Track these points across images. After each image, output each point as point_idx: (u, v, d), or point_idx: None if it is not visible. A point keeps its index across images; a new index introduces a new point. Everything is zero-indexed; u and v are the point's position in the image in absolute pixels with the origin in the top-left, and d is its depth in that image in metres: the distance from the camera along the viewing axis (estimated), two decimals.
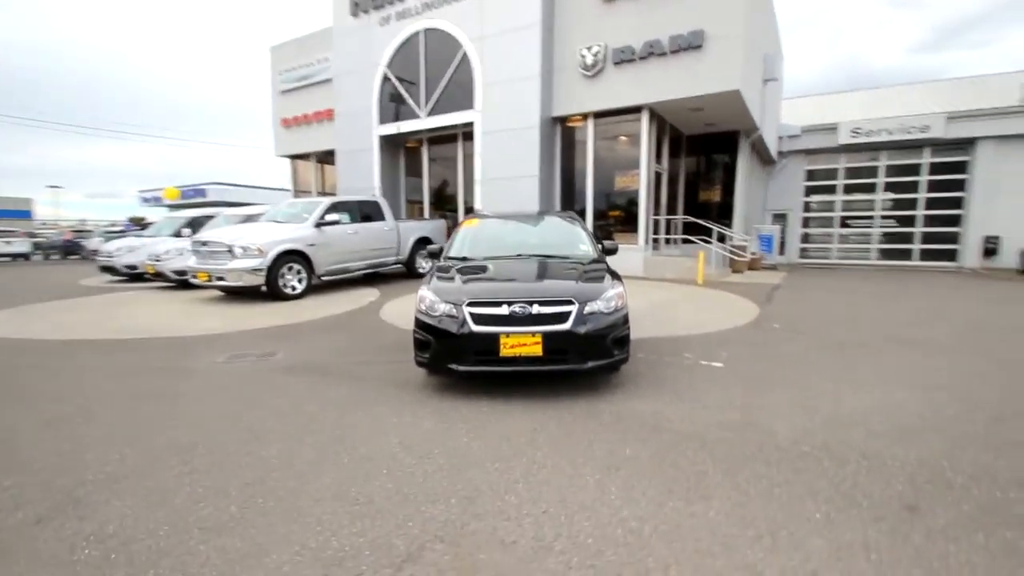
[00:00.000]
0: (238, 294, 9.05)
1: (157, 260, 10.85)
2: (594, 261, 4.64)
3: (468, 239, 5.18)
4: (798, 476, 2.62)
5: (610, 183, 12.08)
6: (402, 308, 7.98)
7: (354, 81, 14.67)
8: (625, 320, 3.82)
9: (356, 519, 2.28)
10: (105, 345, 5.84)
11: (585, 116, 11.88)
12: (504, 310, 3.68)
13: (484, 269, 4.37)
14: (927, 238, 16.50)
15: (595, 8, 11.14)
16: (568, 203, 12.49)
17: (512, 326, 3.63)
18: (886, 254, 17.17)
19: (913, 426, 3.27)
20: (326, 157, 17.59)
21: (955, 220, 15.96)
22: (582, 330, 3.61)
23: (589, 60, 11.28)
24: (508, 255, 4.76)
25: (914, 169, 16.45)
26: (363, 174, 14.83)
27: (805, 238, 18.41)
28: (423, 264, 11.81)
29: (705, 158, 15.13)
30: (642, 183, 11.44)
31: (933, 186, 16.21)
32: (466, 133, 13.63)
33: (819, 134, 17.11)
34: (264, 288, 8.56)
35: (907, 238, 16.82)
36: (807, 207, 18.26)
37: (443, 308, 3.82)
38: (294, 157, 18.50)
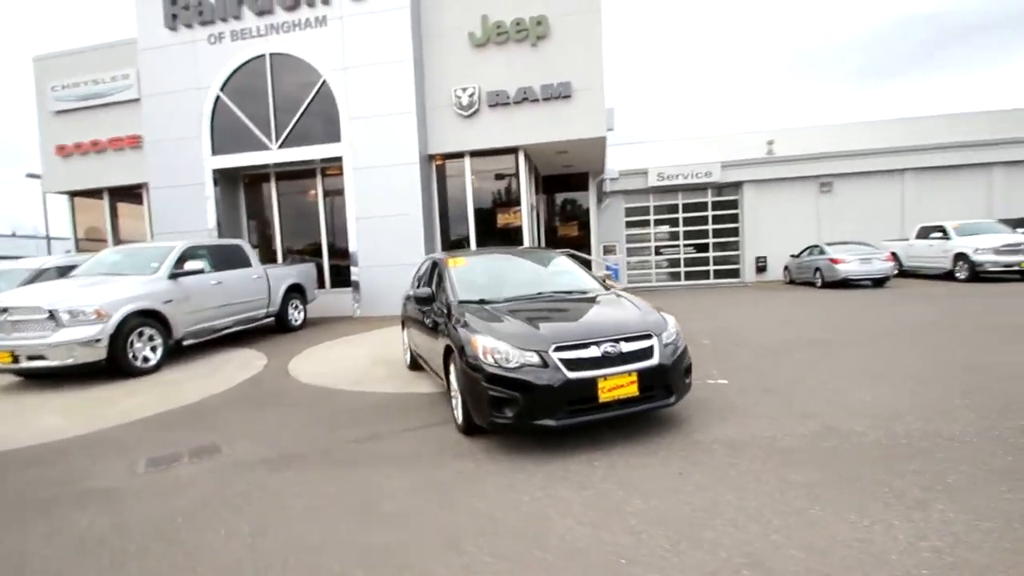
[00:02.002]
0: (52, 377, 6.56)
1: None
2: (611, 293, 4.61)
3: (468, 280, 4.67)
4: None
5: (491, 220, 12.25)
6: (316, 367, 6.80)
7: (173, 104, 12.23)
8: (686, 348, 3.86)
9: None
10: None
11: (463, 155, 11.91)
12: (595, 351, 3.40)
13: (524, 311, 3.97)
14: (717, 260, 20.55)
15: (467, 53, 11.39)
16: (450, 241, 12.25)
17: (606, 368, 3.37)
18: (689, 276, 20.81)
19: (895, 409, 3.94)
20: (126, 194, 14.15)
21: (735, 245, 20.24)
22: (668, 363, 3.54)
23: (464, 101, 11.43)
24: (528, 294, 4.44)
25: (703, 206, 20.46)
26: (190, 213, 12.30)
27: (629, 265, 21.24)
28: (296, 316, 10.25)
29: (559, 197, 16.47)
30: (524, 219, 11.88)
31: (717, 219, 20.35)
32: (325, 168, 12.45)
33: (634, 177, 20.10)
34: (105, 363, 6.40)
35: (704, 261, 20.69)
36: (628, 239, 21.15)
37: (522, 357, 3.35)
38: (75, 194, 14.41)
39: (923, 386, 4.44)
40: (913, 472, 2.84)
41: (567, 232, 16.09)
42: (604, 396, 3.34)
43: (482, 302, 4.25)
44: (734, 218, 20.13)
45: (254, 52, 11.84)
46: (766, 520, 2.43)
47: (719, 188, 20.10)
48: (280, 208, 13.07)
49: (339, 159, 11.68)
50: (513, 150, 11.70)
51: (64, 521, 2.89)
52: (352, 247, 11.66)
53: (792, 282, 17.27)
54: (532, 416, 3.29)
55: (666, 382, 3.55)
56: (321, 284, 11.93)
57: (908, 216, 18.49)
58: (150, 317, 6.97)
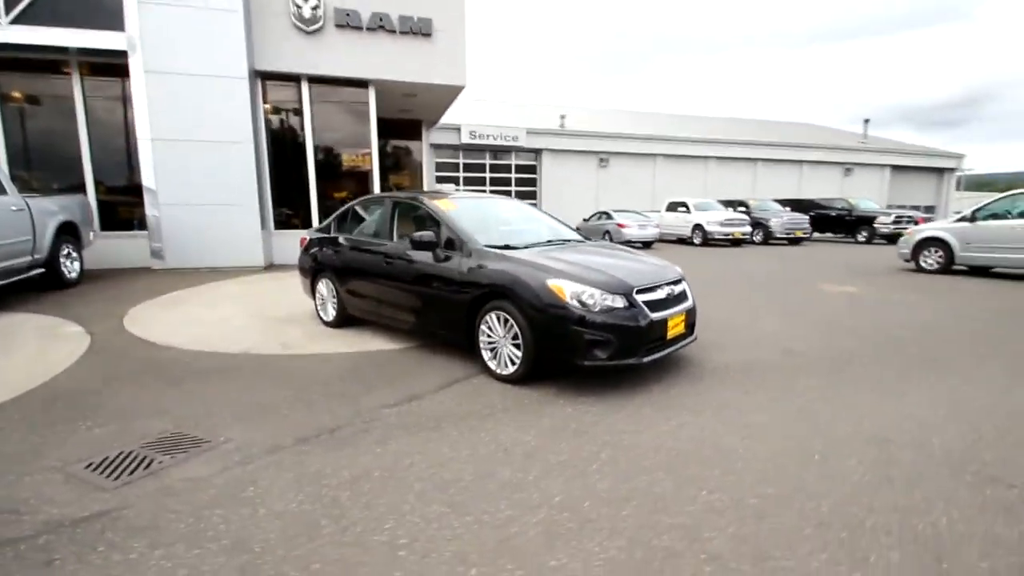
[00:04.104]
0: None
1: None
2: (601, 241, 4.83)
3: (471, 224, 4.25)
4: None
5: (335, 161, 10.80)
6: (188, 331, 5.29)
7: None
8: None
9: None
10: None
11: (299, 78, 10.08)
12: (662, 294, 3.65)
13: (566, 258, 3.90)
14: None
15: None
16: (282, 183, 10.38)
17: (670, 308, 3.66)
18: None
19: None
20: None
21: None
22: (695, 304, 4.02)
23: (306, 12, 9.62)
24: (541, 240, 4.34)
25: (508, 168, 21.79)
26: None
27: None
28: (71, 268, 7.49)
29: (390, 143, 15.31)
30: (375, 163, 10.85)
31: (520, 181, 21.97)
32: (92, 66, 9.01)
33: (446, 132, 20.03)
34: None
35: None
36: None
37: (612, 300, 3.37)
38: None
39: (783, 317, 6.00)
40: (868, 366, 3.96)
41: (399, 182, 15.26)
42: (670, 334, 3.64)
43: (507, 247, 4.00)
44: (534, 182, 22.06)
45: None
46: (827, 405, 3.12)
47: (523, 152, 21.64)
48: (4, 118, 8.92)
49: (120, 55, 8.56)
50: (364, 83, 10.45)
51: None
52: (147, 180, 8.83)
53: None
54: (623, 355, 3.37)
55: (694, 320, 4.04)
56: None
57: (658, 193, 23.20)
58: None
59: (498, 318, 3.68)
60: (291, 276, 8.96)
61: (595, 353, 3.32)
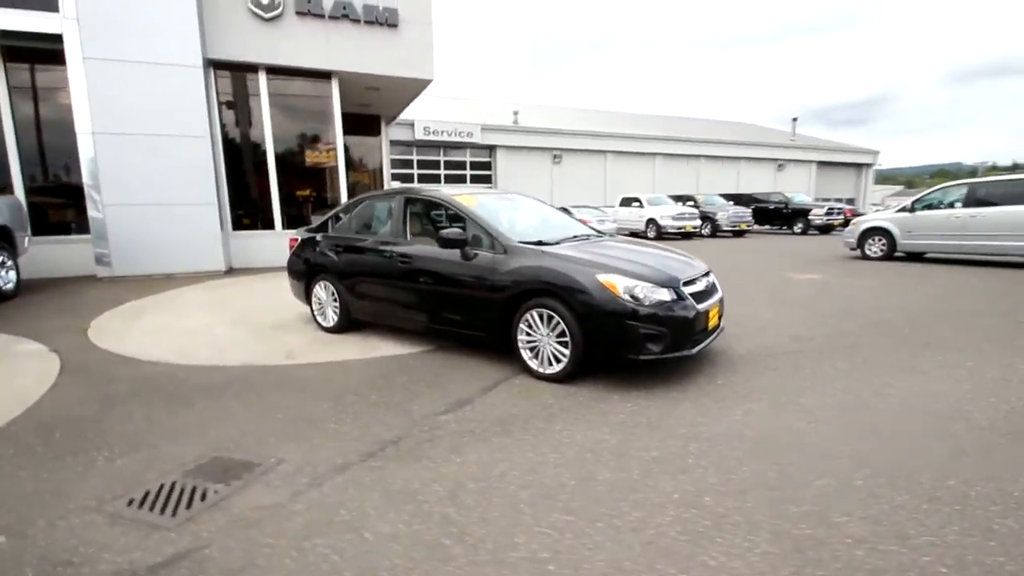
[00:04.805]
0: None
1: None
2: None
3: (498, 220, 4.13)
4: None
5: (296, 157, 10.21)
6: (170, 344, 4.85)
7: None
8: None
9: None
10: None
11: (257, 68, 9.43)
12: (701, 285, 3.70)
13: (602, 252, 3.87)
14: None
15: None
16: (241, 177, 9.69)
17: (708, 299, 3.71)
18: None
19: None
20: None
21: None
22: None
23: None
24: (568, 236, 4.27)
25: (463, 164, 21.53)
26: None
27: None
28: (7, 278, 6.66)
29: (349, 139, 14.62)
30: (340, 159, 10.36)
31: (474, 178, 21.76)
32: (26, 50, 8.01)
33: (400, 127, 19.50)
34: None
35: None
36: None
37: (663, 294, 3.37)
38: None
39: (771, 305, 6.29)
40: (877, 348, 4.20)
41: (359, 179, 14.65)
42: (710, 324, 3.69)
43: (539, 243, 3.91)
44: (489, 179, 21.93)
45: None
46: (865, 383, 3.29)
47: (477, 149, 21.46)
48: None
49: (55, 40, 7.66)
50: (327, 75, 9.93)
51: None
52: (88, 178, 7.96)
53: None
54: (675, 348, 3.37)
55: (723, 311, 4.13)
56: None
57: (609, 188, 23.75)
58: None
59: (540, 316, 3.59)
60: (259, 280, 8.40)
61: (649, 347, 3.31)
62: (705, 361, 4.00)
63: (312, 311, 5.31)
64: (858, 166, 32.34)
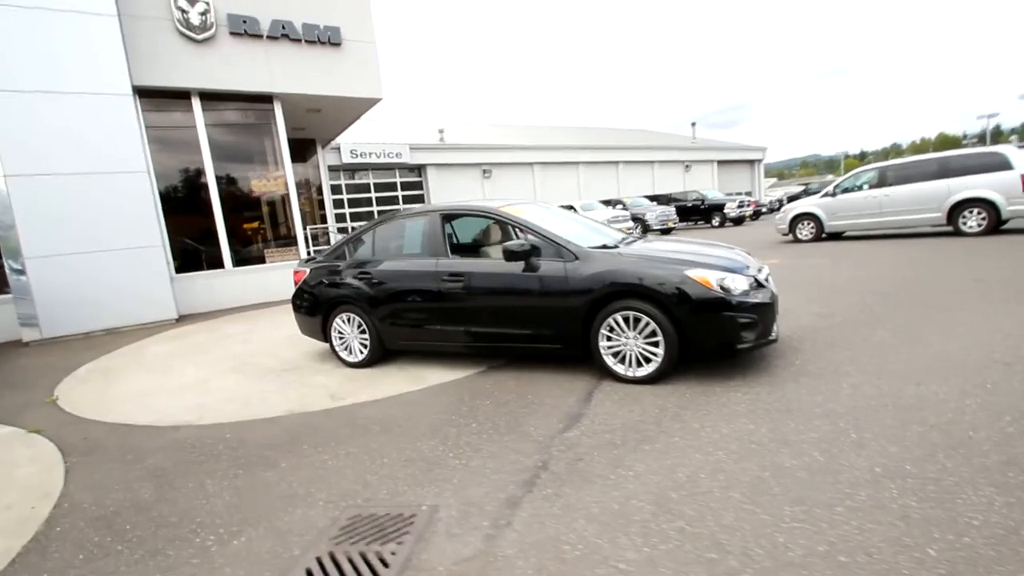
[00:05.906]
0: None
1: None
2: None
3: (554, 227, 4.04)
4: None
5: (242, 188, 9.37)
6: (181, 403, 4.26)
7: None
8: None
9: None
10: None
11: (189, 94, 8.58)
12: (764, 273, 3.84)
13: (664, 249, 3.92)
14: None
15: None
16: (181, 214, 8.71)
17: (771, 285, 3.87)
18: None
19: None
20: None
21: None
22: None
23: (194, 18, 8.25)
24: (616, 240, 4.27)
25: (393, 186, 20.95)
26: None
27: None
28: None
29: None
30: (291, 187, 9.66)
31: (407, 199, 21.26)
32: None
33: (327, 152, 18.60)
34: None
35: None
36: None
37: (748, 283, 3.46)
38: None
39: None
40: (901, 316, 4.61)
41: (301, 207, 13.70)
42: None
43: (604, 247, 3.88)
44: (421, 198, 21.52)
45: None
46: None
47: (406, 169, 21.01)
48: None
49: None
50: (268, 98, 9.26)
51: None
52: (1, 229, 6.76)
53: None
54: (764, 335, 3.48)
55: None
56: None
57: (539, 198, 24.22)
58: None
59: (626, 319, 3.54)
60: (224, 324, 7.56)
61: (745, 336, 3.38)
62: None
63: (333, 347, 4.85)
64: (751, 162, 35.75)
